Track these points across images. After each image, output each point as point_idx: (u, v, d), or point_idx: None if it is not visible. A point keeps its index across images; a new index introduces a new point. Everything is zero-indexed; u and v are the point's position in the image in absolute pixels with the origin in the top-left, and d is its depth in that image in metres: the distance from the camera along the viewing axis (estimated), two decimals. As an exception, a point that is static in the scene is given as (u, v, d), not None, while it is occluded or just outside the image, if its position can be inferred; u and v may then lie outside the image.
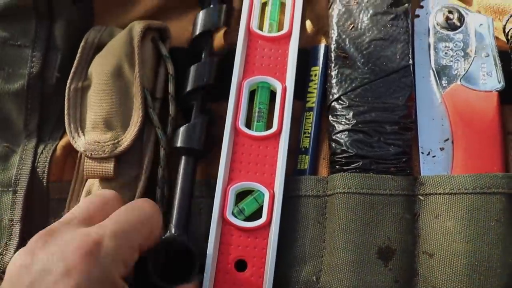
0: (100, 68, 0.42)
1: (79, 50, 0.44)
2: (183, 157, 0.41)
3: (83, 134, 0.42)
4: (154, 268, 0.35)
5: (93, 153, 0.40)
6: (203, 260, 0.38)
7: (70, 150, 0.44)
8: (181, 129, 0.41)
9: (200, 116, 0.42)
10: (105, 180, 0.41)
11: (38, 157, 0.44)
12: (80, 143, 0.41)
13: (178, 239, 0.38)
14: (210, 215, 0.39)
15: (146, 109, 0.42)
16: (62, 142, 0.44)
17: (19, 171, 0.43)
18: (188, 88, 0.43)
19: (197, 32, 0.44)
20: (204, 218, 0.41)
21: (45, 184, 0.43)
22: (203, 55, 0.44)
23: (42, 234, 0.30)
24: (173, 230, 0.39)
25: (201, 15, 0.45)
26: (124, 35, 0.43)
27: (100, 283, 0.29)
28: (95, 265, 0.29)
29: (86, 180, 0.42)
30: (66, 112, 0.42)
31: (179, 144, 0.41)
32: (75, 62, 0.44)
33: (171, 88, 0.43)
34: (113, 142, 0.41)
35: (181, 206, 0.40)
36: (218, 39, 0.46)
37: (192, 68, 0.43)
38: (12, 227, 0.42)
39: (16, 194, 0.42)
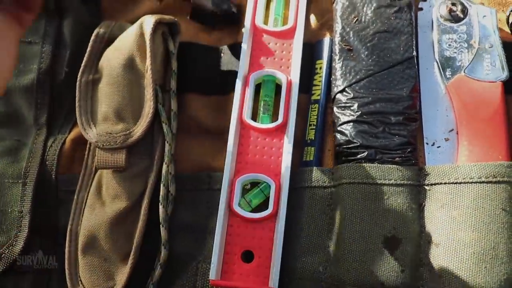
0: (111, 61, 0.43)
1: (90, 43, 0.45)
2: None
3: (95, 126, 0.42)
4: None
5: (105, 144, 0.41)
6: None
7: (79, 143, 0.44)
8: None
9: None
10: (116, 171, 0.41)
11: (47, 150, 0.44)
12: (92, 134, 0.42)
13: None
14: (217, 208, 0.39)
15: (156, 103, 0.42)
16: (71, 136, 0.45)
17: (29, 164, 0.44)
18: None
19: None
20: (211, 210, 0.41)
21: (54, 176, 0.44)
22: None
23: None
24: None
25: None
26: (136, 29, 0.43)
27: None
28: None
29: (95, 172, 0.42)
30: (77, 104, 0.43)
31: None
32: (86, 55, 0.44)
33: (173, 84, 0.44)
34: (124, 133, 0.41)
35: None
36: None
37: None
38: (21, 218, 0.42)
39: (26, 186, 0.43)
